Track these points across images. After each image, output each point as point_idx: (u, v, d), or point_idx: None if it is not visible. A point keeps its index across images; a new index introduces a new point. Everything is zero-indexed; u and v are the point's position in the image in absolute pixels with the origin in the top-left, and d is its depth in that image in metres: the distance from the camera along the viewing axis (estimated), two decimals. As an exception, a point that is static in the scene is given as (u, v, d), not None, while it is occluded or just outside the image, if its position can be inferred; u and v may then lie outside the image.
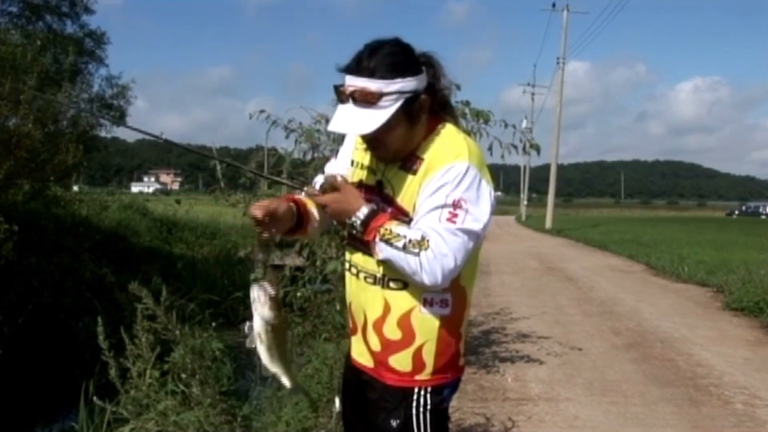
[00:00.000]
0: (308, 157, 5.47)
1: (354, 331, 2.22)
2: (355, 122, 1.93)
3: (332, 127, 1.98)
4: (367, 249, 2.03)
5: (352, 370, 2.27)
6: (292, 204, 2.13)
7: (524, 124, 35.46)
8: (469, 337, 7.52)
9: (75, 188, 18.42)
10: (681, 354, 7.01)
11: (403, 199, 2.02)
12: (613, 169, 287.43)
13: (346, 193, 2.01)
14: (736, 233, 28.50)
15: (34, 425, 7.17)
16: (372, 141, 2.02)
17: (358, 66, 1.94)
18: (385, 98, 1.92)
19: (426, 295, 2.02)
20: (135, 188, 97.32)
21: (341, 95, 1.98)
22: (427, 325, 2.04)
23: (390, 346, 2.07)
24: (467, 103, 5.44)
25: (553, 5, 40.54)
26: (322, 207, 2.07)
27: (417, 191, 1.98)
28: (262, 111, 5.41)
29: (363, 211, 1.97)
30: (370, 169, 2.13)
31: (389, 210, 2.02)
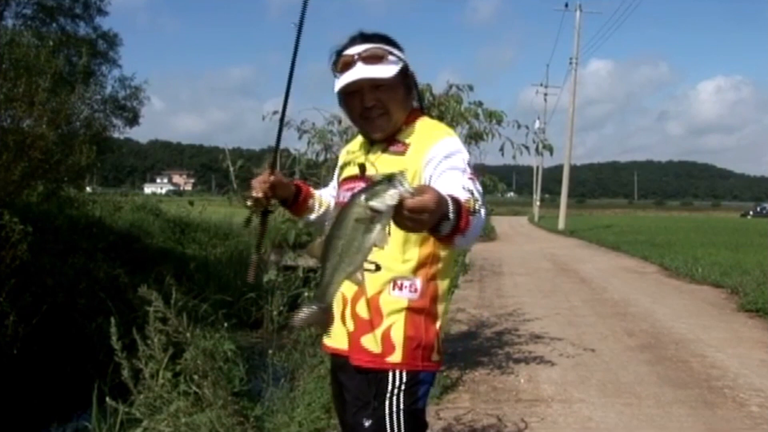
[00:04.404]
0: (321, 158, 5.47)
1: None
2: (371, 72, 2.09)
3: (348, 78, 2.10)
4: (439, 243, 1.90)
5: (335, 369, 2.30)
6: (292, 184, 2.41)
7: (537, 124, 35.39)
8: (482, 338, 7.52)
9: (88, 189, 18.53)
10: (695, 356, 6.96)
11: None
12: (627, 169, 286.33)
13: (436, 192, 1.62)
14: (751, 234, 28.31)
15: (48, 425, 7.20)
16: (374, 110, 2.13)
17: (358, 40, 2.15)
18: (390, 57, 2.13)
19: (396, 279, 2.09)
20: (148, 189, 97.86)
21: (342, 64, 2.13)
22: (394, 306, 2.08)
23: (362, 326, 2.11)
24: (480, 104, 5.44)
25: (566, 5, 40.40)
26: (411, 212, 1.54)
27: (412, 169, 2.05)
28: (275, 112, 5.41)
29: (450, 204, 1.66)
30: (354, 162, 2.26)
31: None
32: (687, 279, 13.92)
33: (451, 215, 1.63)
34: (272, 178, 2.26)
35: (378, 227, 1.61)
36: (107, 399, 4.26)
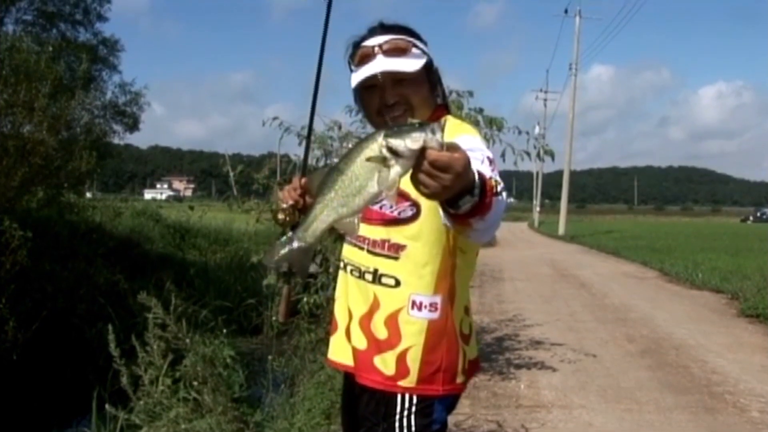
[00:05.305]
0: (321, 163, 5.48)
1: (335, 330, 2.13)
2: (394, 65, 1.92)
3: (368, 71, 1.93)
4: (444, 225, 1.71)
5: (348, 384, 2.17)
6: None
7: (537, 130, 35.44)
8: (482, 344, 7.50)
9: (88, 195, 18.51)
10: (696, 361, 6.95)
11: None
12: (627, 175, 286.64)
13: (467, 156, 1.43)
14: (751, 239, 28.29)
15: (48, 430, 7.19)
16: (395, 107, 1.95)
17: (378, 31, 2.00)
18: (414, 50, 1.96)
19: (415, 297, 1.94)
20: (148, 195, 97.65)
21: (361, 57, 1.97)
22: (413, 327, 1.94)
23: (377, 345, 1.98)
24: (480, 111, 5.45)
25: (566, 11, 40.51)
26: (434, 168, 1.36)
27: None
28: (275, 118, 5.43)
29: (476, 177, 1.50)
30: None
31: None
32: (687, 284, 13.91)
33: (476, 190, 1.47)
34: (303, 181, 2.07)
35: (388, 172, 1.40)
36: (107, 405, 4.26)
